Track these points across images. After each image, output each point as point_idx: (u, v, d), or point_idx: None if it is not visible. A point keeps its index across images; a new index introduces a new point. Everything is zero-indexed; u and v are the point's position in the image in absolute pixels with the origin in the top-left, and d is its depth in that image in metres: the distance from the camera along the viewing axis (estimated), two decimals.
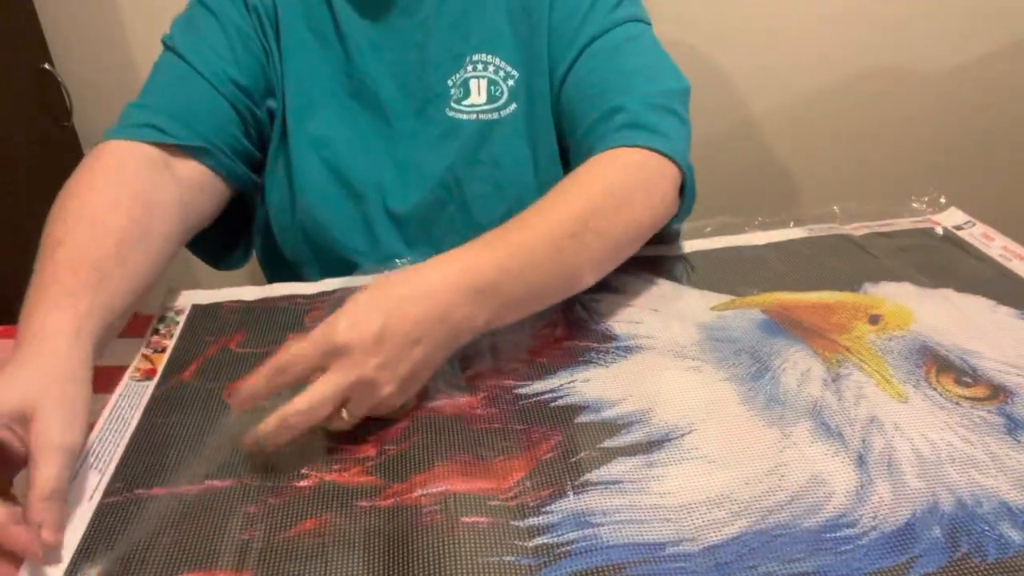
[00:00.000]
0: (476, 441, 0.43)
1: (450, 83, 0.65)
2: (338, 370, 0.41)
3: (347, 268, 0.64)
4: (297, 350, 0.41)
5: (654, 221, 0.54)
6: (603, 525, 0.38)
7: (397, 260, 0.62)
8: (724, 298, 0.56)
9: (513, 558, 0.36)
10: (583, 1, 0.63)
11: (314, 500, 0.40)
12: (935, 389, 0.46)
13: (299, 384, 0.42)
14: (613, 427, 0.44)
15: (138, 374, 0.51)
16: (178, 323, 0.56)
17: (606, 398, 0.46)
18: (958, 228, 0.65)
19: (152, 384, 0.50)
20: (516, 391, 0.47)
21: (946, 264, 0.60)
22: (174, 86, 0.61)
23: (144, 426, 0.46)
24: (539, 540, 0.37)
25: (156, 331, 0.55)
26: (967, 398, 0.45)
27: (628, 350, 0.51)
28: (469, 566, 0.36)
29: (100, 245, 0.48)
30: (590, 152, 0.55)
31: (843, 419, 0.44)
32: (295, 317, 0.56)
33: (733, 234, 0.64)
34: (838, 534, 0.37)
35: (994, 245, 0.62)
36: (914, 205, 0.68)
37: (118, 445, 0.45)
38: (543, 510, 0.39)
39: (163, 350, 0.53)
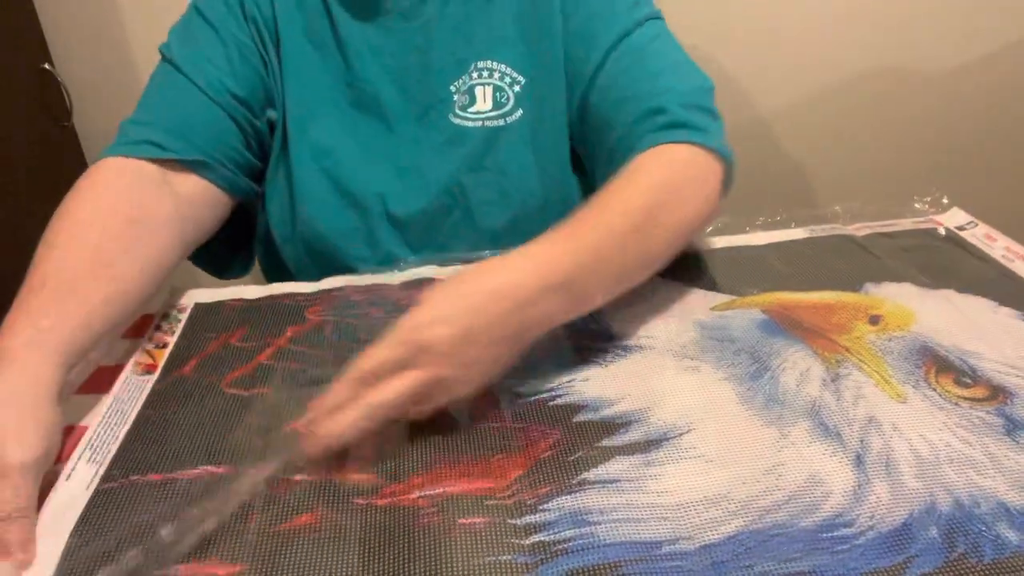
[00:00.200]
0: (474, 440, 0.43)
1: (453, 88, 0.65)
2: (423, 367, 0.41)
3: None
4: (382, 355, 0.41)
5: (707, 214, 0.55)
6: (600, 523, 0.38)
7: (401, 262, 0.62)
8: (725, 298, 0.56)
9: (510, 556, 0.36)
10: (601, 3, 0.63)
11: (310, 494, 0.40)
12: (934, 389, 0.46)
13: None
14: (611, 426, 0.44)
15: (139, 369, 0.51)
16: (180, 321, 0.56)
17: (605, 397, 0.46)
18: (960, 229, 0.65)
19: (152, 379, 0.50)
20: (515, 390, 0.47)
21: (948, 265, 0.60)
22: (171, 99, 0.61)
23: (143, 418, 0.46)
24: (536, 538, 0.37)
25: (158, 328, 0.55)
26: (966, 399, 0.45)
27: (627, 349, 0.51)
28: (466, 566, 0.36)
29: (75, 262, 0.48)
30: (630, 151, 0.55)
31: (841, 419, 0.44)
32: (296, 312, 0.56)
33: (734, 234, 0.64)
34: (835, 534, 0.37)
35: (996, 246, 0.62)
36: (916, 206, 0.67)
37: (117, 437, 0.45)
38: (540, 508, 0.39)
39: (164, 346, 0.53)
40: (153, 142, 0.57)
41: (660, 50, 0.62)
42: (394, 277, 0.60)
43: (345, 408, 0.40)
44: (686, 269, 0.60)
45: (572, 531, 0.37)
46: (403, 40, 0.65)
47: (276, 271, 0.71)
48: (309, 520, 0.39)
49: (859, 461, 0.41)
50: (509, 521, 0.38)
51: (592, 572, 0.35)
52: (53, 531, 0.38)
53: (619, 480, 0.40)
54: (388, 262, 0.64)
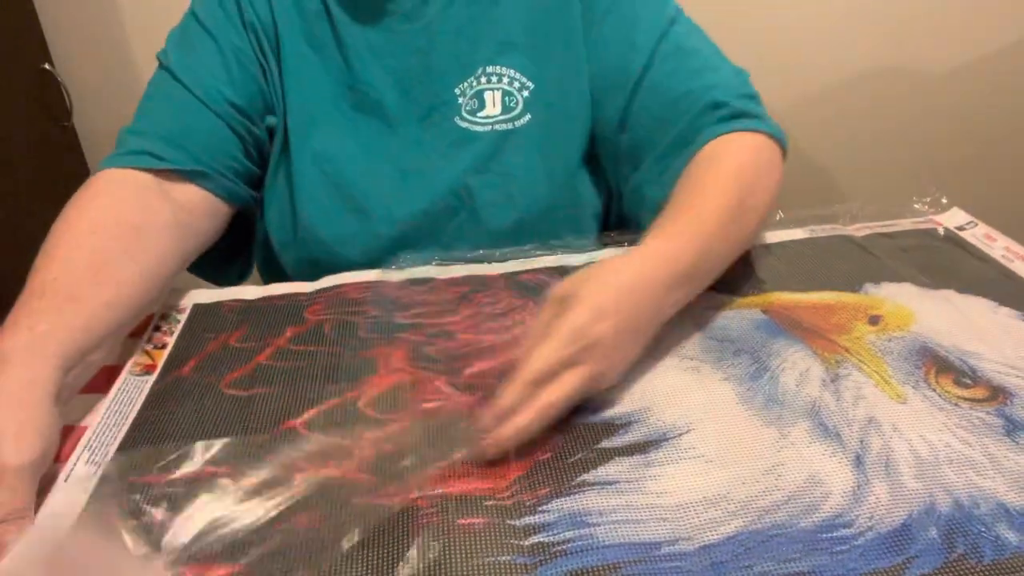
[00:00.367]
0: (474, 441, 0.43)
1: (458, 91, 0.65)
2: (589, 363, 0.42)
3: None
4: (552, 355, 0.41)
5: (777, 196, 0.57)
6: (599, 525, 0.38)
7: (401, 258, 0.61)
8: (724, 298, 0.56)
9: (509, 557, 0.36)
10: (629, 7, 0.63)
11: (308, 493, 0.40)
12: (934, 390, 0.46)
13: None
14: (610, 427, 0.44)
15: (138, 369, 0.51)
16: (179, 321, 0.56)
17: (604, 398, 0.46)
18: (960, 229, 0.65)
19: (151, 379, 0.50)
20: None
21: (948, 265, 0.59)
22: (169, 109, 0.61)
23: (142, 419, 0.46)
24: (535, 539, 0.37)
25: (157, 328, 0.55)
26: (966, 399, 0.45)
27: None
28: (465, 567, 0.36)
29: (73, 268, 0.48)
30: (695, 143, 0.58)
31: (841, 419, 0.44)
32: (295, 312, 0.56)
33: None
34: (834, 534, 0.37)
35: (996, 246, 0.62)
36: (916, 206, 0.67)
37: (115, 439, 0.45)
38: (539, 509, 0.39)
39: (164, 347, 0.53)
40: (151, 152, 0.57)
41: (697, 46, 0.64)
42: (392, 275, 0.60)
43: (520, 410, 0.41)
44: None
45: (571, 532, 0.37)
46: (405, 42, 0.64)
47: (275, 276, 0.71)
48: (308, 520, 0.39)
49: (859, 462, 0.41)
50: (508, 522, 0.38)
51: (591, 573, 0.35)
52: (53, 532, 0.38)
53: (618, 481, 0.40)
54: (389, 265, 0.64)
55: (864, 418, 0.44)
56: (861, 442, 0.42)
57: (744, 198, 0.53)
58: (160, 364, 0.51)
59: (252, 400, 0.47)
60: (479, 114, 0.64)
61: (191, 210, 0.59)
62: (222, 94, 0.61)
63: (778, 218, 0.65)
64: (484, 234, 0.64)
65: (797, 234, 0.64)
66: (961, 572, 0.35)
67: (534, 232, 0.63)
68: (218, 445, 0.43)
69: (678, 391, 0.47)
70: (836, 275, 0.58)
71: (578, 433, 0.44)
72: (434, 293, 0.57)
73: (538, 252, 0.61)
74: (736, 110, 0.59)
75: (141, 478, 0.42)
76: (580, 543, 0.37)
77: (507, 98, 0.64)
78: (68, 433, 0.45)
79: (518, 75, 0.65)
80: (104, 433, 0.45)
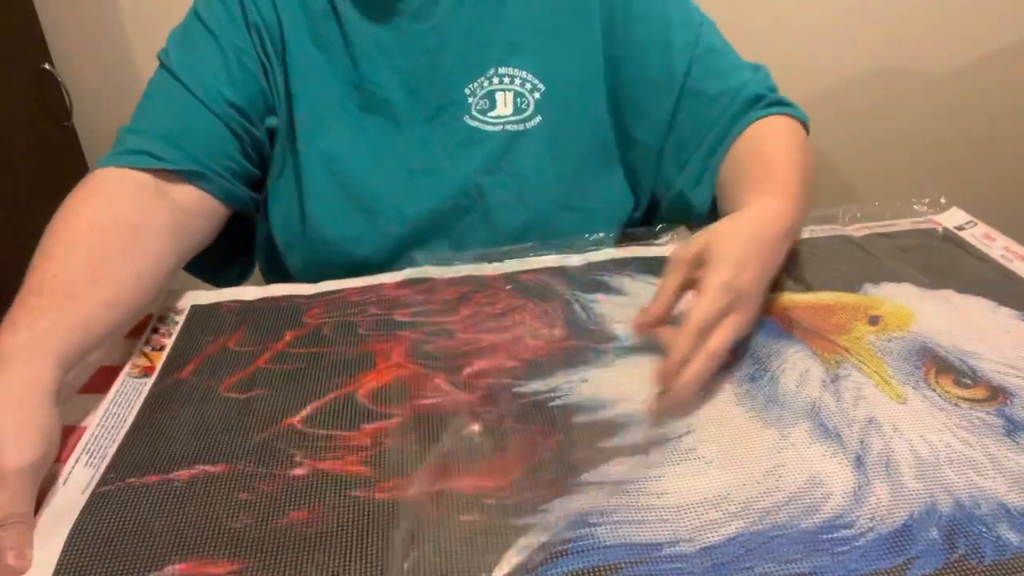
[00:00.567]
0: (473, 439, 0.43)
1: (468, 91, 0.65)
2: (739, 311, 0.46)
3: (354, 275, 0.63)
4: (711, 307, 0.44)
5: None
6: (600, 525, 0.38)
7: (418, 257, 0.62)
8: None
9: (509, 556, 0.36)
10: (658, 13, 0.65)
11: (307, 488, 0.40)
12: (934, 390, 0.46)
13: None
14: (611, 427, 0.44)
15: (136, 371, 0.51)
16: (177, 323, 0.56)
17: (605, 398, 0.46)
18: (959, 228, 0.65)
19: (150, 381, 0.50)
20: (514, 390, 0.47)
21: (947, 265, 0.59)
22: (168, 108, 0.61)
23: (140, 422, 0.46)
24: (535, 538, 0.37)
25: (156, 330, 0.55)
26: (966, 399, 0.45)
27: (627, 351, 0.51)
28: (465, 564, 0.36)
29: (72, 267, 0.48)
30: (730, 133, 0.62)
31: (841, 420, 0.44)
32: (294, 315, 0.56)
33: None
34: (835, 535, 0.37)
35: (995, 246, 0.62)
36: (915, 206, 0.67)
37: (114, 441, 0.45)
38: (540, 508, 0.39)
39: (162, 348, 0.53)
40: (149, 152, 0.57)
41: (722, 45, 0.67)
42: (396, 276, 0.60)
43: (692, 361, 0.44)
44: None
45: (572, 532, 0.37)
46: (413, 41, 0.64)
47: (278, 276, 0.71)
48: (306, 515, 0.39)
49: (859, 462, 0.41)
50: (509, 521, 0.38)
51: (592, 574, 0.35)
52: (49, 536, 0.38)
53: (620, 482, 0.40)
54: (400, 263, 0.64)
55: (864, 419, 0.44)
56: (862, 443, 0.42)
57: (806, 168, 0.58)
58: (158, 366, 0.51)
59: (251, 401, 0.47)
60: (490, 114, 0.65)
61: (189, 210, 0.59)
62: (222, 94, 0.61)
63: None
64: (494, 234, 0.64)
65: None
66: (962, 573, 0.35)
67: (544, 233, 0.64)
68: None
69: None
70: (835, 275, 0.58)
71: (578, 433, 0.44)
72: (433, 293, 0.57)
73: (548, 252, 0.62)
74: (772, 100, 0.64)
75: (140, 479, 0.41)
76: (581, 543, 0.37)
77: (518, 99, 0.65)
78: (67, 434, 0.45)
79: (530, 76, 0.65)
80: (103, 435, 0.45)
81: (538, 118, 0.65)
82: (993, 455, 0.41)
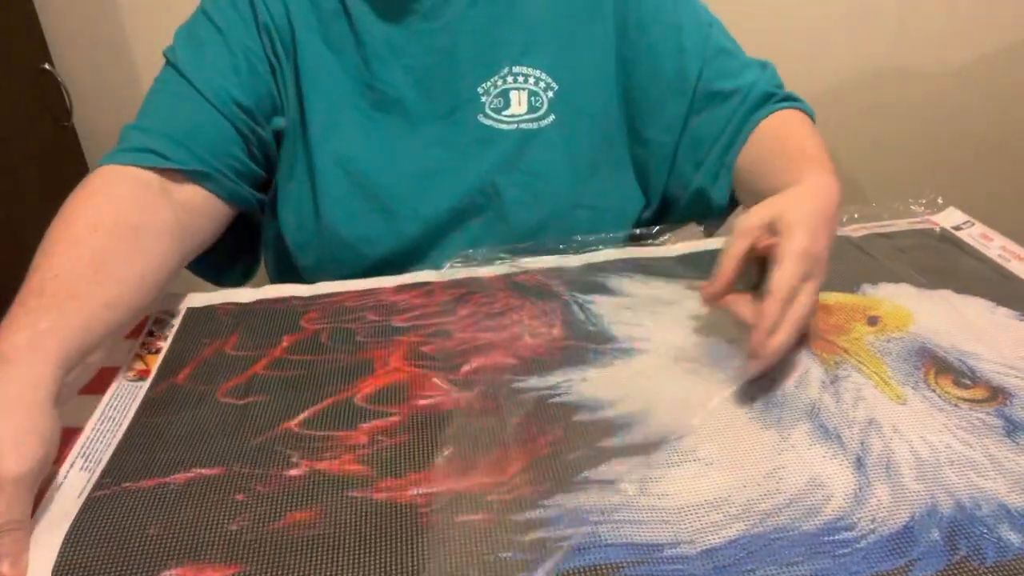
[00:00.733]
0: (473, 435, 0.43)
1: (481, 90, 0.65)
2: (816, 276, 0.47)
3: (368, 274, 0.63)
4: (793, 274, 0.46)
5: None
6: (601, 523, 0.37)
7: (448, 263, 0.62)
8: None
9: (510, 554, 0.36)
10: (670, 16, 0.66)
11: (304, 490, 0.40)
12: (934, 391, 0.46)
13: None
14: (611, 427, 0.44)
15: (131, 375, 0.50)
16: (173, 325, 0.55)
17: (604, 398, 0.46)
18: (957, 228, 0.65)
19: (145, 385, 0.49)
20: (513, 386, 0.47)
21: (945, 265, 0.59)
22: (174, 106, 0.60)
23: (136, 426, 0.46)
24: (536, 534, 0.37)
25: (151, 332, 0.55)
26: (966, 400, 0.45)
27: (626, 352, 0.50)
28: (465, 563, 0.35)
29: (73, 266, 0.47)
30: (743, 129, 0.64)
31: (841, 421, 0.44)
32: (291, 318, 0.55)
33: (729, 235, 0.64)
34: (836, 537, 0.37)
35: (992, 245, 0.62)
36: (912, 207, 0.67)
37: (109, 445, 0.44)
38: (540, 504, 0.38)
39: (157, 352, 0.53)
40: (154, 151, 0.57)
41: (731, 45, 0.69)
42: (394, 280, 0.60)
43: (779, 330, 0.46)
44: (681, 271, 0.60)
45: (572, 529, 0.37)
46: (426, 41, 0.64)
47: (288, 277, 0.70)
48: (304, 516, 0.38)
49: (860, 464, 0.41)
50: (509, 516, 0.38)
51: (593, 572, 0.35)
52: (45, 542, 0.38)
53: (620, 481, 0.40)
54: (416, 262, 0.65)
55: (864, 420, 0.44)
56: (862, 444, 0.42)
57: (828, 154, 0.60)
58: (154, 370, 0.51)
59: (248, 408, 0.46)
60: (504, 112, 0.65)
61: (192, 210, 0.58)
62: (229, 94, 0.60)
63: None
64: (509, 232, 0.65)
65: None
66: (964, 574, 0.35)
67: (558, 231, 0.65)
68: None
69: (677, 393, 0.47)
70: (834, 276, 0.57)
71: (576, 431, 0.43)
72: (432, 296, 0.57)
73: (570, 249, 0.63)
74: (783, 95, 0.66)
75: (136, 484, 0.41)
76: (581, 540, 0.36)
77: (533, 98, 0.65)
78: (66, 436, 0.44)
79: (544, 75, 0.65)
80: (98, 440, 0.45)
81: (552, 117, 0.65)
82: (993, 456, 0.41)
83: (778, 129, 0.64)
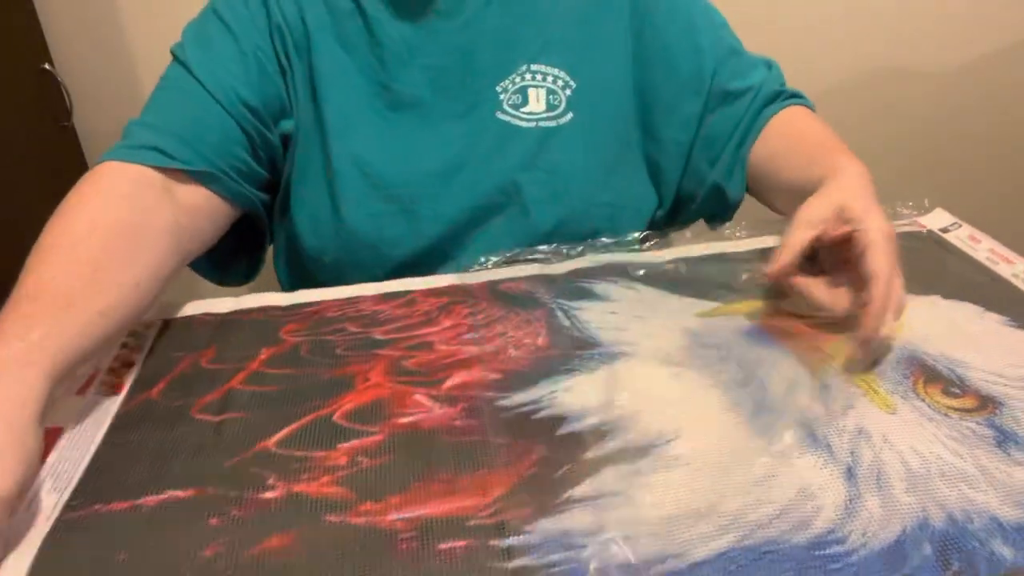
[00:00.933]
0: (455, 456, 0.42)
1: (499, 88, 0.64)
2: (895, 251, 0.49)
3: (392, 275, 0.62)
4: (890, 254, 0.48)
5: None
6: (586, 546, 0.36)
7: (483, 260, 0.62)
8: (709, 304, 0.55)
9: None
10: (683, 16, 0.67)
11: (281, 513, 0.39)
12: (923, 400, 0.45)
13: None
14: (596, 435, 0.43)
15: (103, 389, 0.49)
16: (147, 337, 0.54)
17: (589, 406, 0.45)
18: (944, 231, 0.65)
19: (118, 400, 0.48)
20: (497, 403, 0.46)
21: (933, 268, 0.59)
22: (181, 104, 0.59)
23: (107, 445, 0.44)
24: (519, 562, 0.36)
25: (124, 345, 0.53)
26: (956, 409, 0.45)
27: (612, 357, 0.50)
28: None
29: (70, 270, 0.46)
30: (755, 126, 0.66)
31: (831, 429, 0.43)
32: (269, 330, 0.54)
33: (718, 240, 0.64)
34: (827, 551, 0.36)
35: (980, 247, 0.61)
36: (900, 209, 0.67)
37: (79, 465, 0.43)
38: (524, 529, 0.37)
39: (131, 365, 0.51)
40: (159, 149, 0.55)
41: (739, 45, 0.70)
42: (375, 288, 0.58)
43: (887, 305, 0.47)
44: (669, 275, 0.59)
45: (558, 555, 0.36)
46: (443, 40, 0.64)
47: (303, 283, 0.69)
48: (280, 542, 0.37)
49: (850, 474, 0.40)
50: (491, 543, 0.37)
51: None
52: (12, 566, 0.36)
53: (605, 495, 0.39)
54: (437, 261, 0.64)
55: (854, 428, 0.43)
56: (852, 453, 0.42)
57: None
58: (127, 384, 0.49)
59: (224, 425, 0.45)
60: (522, 109, 0.65)
61: (194, 212, 0.57)
62: (237, 94, 0.59)
63: (762, 231, 0.65)
64: (530, 231, 0.64)
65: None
66: None
67: (577, 229, 0.65)
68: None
69: (664, 397, 0.46)
70: None
71: (562, 443, 0.42)
72: (413, 306, 0.56)
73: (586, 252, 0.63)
74: (789, 93, 0.69)
75: (107, 506, 0.40)
76: (567, 566, 0.35)
77: (551, 96, 0.65)
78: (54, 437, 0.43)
79: (562, 74, 0.65)
80: (66, 458, 0.43)
81: (570, 115, 0.65)
82: (984, 467, 0.41)
83: (791, 124, 0.66)
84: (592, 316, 0.54)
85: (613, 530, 0.37)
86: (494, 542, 0.37)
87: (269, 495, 0.40)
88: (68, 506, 0.40)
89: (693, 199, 0.71)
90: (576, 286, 0.58)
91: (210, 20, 0.62)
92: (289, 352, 0.51)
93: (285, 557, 0.36)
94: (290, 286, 0.71)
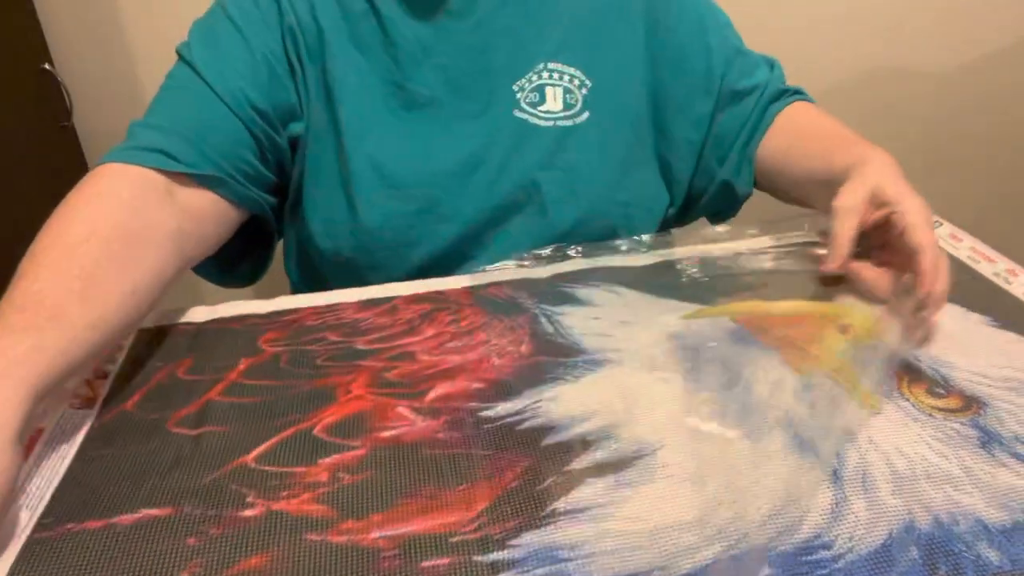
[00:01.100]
0: (437, 470, 0.41)
1: (516, 88, 0.64)
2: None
3: (412, 276, 0.61)
4: (932, 233, 0.50)
5: None
6: (572, 560, 0.36)
7: (511, 260, 0.61)
8: (692, 307, 0.55)
9: None
10: (693, 18, 0.68)
11: (260, 532, 0.38)
12: (908, 400, 0.45)
13: None
14: (581, 446, 0.42)
15: (77, 402, 0.47)
16: (122, 348, 0.53)
17: (574, 415, 0.45)
18: None
19: (92, 413, 0.47)
20: (480, 414, 0.45)
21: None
22: (187, 105, 0.58)
23: (80, 460, 0.43)
24: None
25: None
26: (940, 409, 0.45)
27: (596, 364, 0.49)
28: None
29: (60, 281, 0.44)
30: (762, 124, 0.69)
31: (816, 432, 0.43)
32: (247, 340, 0.53)
33: (702, 243, 0.63)
34: (814, 557, 0.36)
35: (962, 246, 0.62)
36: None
37: (51, 481, 0.41)
38: (508, 543, 0.37)
39: (105, 376, 0.50)
40: (164, 151, 0.54)
41: (743, 45, 0.72)
42: (356, 294, 0.57)
43: (939, 276, 0.49)
44: (653, 279, 0.59)
45: (543, 569, 0.35)
46: (457, 40, 0.63)
47: (313, 283, 0.69)
48: (259, 562, 0.36)
49: (836, 476, 0.40)
50: (475, 558, 0.36)
51: None
52: None
53: (590, 508, 0.39)
54: (455, 260, 0.64)
55: (839, 430, 0.43)
56: (837, 455, 0.41)
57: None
58: (101, 397, 0.48)
59: (201, 439, 0.44)
60: (540, 108, 0.65)
61: (198, 217, 0.56)
62: (246, 96, 0.58)
63: (753, 231, 0.65)
64: (548, 230, 0.64)
65: (764, 242, 0.63)
66: None
67: (593, 229, 0.65)
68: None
69: (650, 405, 0.45)
70: (804, 282, 0.57)
71: (547, 454, 0.42)
72: (395, 314, 0.55)
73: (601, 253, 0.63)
74: (792, 89, 0.71)
75: (80, 525, 0.38)
76: None
77: (567, 95, 0.65)
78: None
79: (578, 73, 0.66)
80: (38, 474, 0.42)
81: (587, 114, 0.65)
82: (969, 468, 0.40)
83: (801, 119, 0.68)
84: (575, 322, 0.53)
85: (598, 543, 0.37)
86: (478, 558, 0.36)
87: (248, 513, 0.39)
88: (40, 524, 0.39)
89: (702, 196, 0.72)
90: (559, 290, 0.57)
91: (219, 19, 0.61)
92: (268, 362, 0.50)
93: None
94: (302, 288, 0.71)
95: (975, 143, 1.31)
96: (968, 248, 0.61)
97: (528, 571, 0.35)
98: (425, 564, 0.36)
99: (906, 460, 0.41)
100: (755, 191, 0.72)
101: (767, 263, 0.60)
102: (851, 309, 0.54)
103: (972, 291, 0.56)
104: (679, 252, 0.62)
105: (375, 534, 0.38)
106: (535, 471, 0.41)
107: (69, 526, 0.38)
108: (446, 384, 0.48)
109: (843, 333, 0.51)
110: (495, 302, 0.56)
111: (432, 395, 0.47)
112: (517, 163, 0.64)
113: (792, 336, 0.51)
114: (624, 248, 0.63)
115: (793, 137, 0.67)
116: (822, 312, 0.54)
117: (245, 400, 0.47)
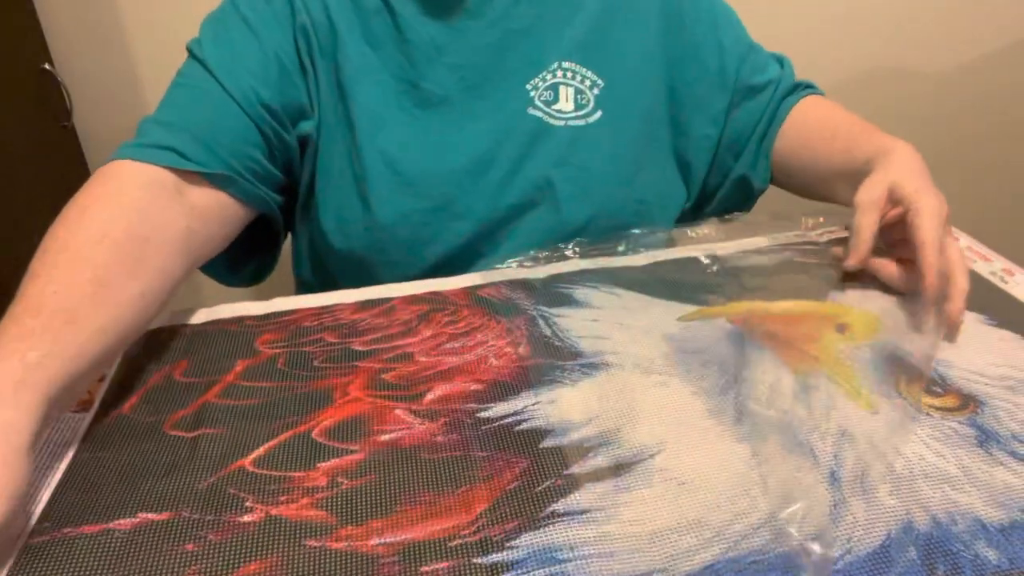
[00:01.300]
0: (436, 474, 0.41)
1: (529, 87, 0.64)
2: (949, 227, 0.52)
3: (425, 274, 0.61)
4: (932, 225, 0.50)
5: None
6: (571, 560, 0.36)
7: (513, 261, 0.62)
8: (690, 308, 0.55)
9: None
10: (708, 16, 0.69)
11: (258, 538, 0.38)
12: (905, 399, 0.45)
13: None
14: (580, 450, 0.42)
15: (73, 405, 0.47)
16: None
17: (572, 419, 0.45)
18: None
19: (88, 416, 0.46)
20: (478, 415, 0.45)
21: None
22: (198, 103, 0.57)
23: (77, 464, 0.43)
24: None
25: None
26: (937, 408, 0.45)
27: (594, 367, 0.49)
28: None
29: (74, 284, 0.44)
30: (776, 118, 0.70)
31: (814, 433, 0.43)
32: (244, 341, 0.52)
33: (699, 243, 0.64)
34: (812, 559, 0.36)
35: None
36: None
37: (48, 484, 0.41)
38: (507, 545, 0.37)
39: (101, 379, 0.50)
40: (175, 150, 0.54)
41: (755, 42, 0.73)
42: (353, 296, 0.57)
43: (956, 274, 0.51)
44: (650, 280, 0.59)
45: (542, 570, 0.35)
46: (471, 39, 0.63)
47: (326, 282, 0.69)
48: (258, 568, 0.36)
49: (834, 477, 0.40)
50: (474, 560, 0.36)
51: None
52: None
53: (589, 510, 0.39)
54: (469, 258, 0.64)
55: (837, 430, 0.43)
56: (835, 456, 0.41)
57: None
58: (97, 399, 0.48)
59: (198, 442, 0.44)
60: (553, 107, 0.65)
61: (207, 216, 0.56)
62: (256, 94, 0.58)
63: (749, 234, 0.65)
64: (561, 228, 0.64)
65: (761, 242, 0.64)
66: None
67: (606, 227, 0.65)
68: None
69: (648, 408, 0.45)
70: (801, 282, 0.57)
71: (546, 458, 0.42)
72: (392, 315, 0.55)
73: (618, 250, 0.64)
74: (804, 84, 0.72)
75: (77, 529, 0.38)
76: None
77: (579, 96, 0.65)
78: None
79: (590, 73, 0.66)
80: (35, 477, 0.42)
81: (599, 113, 0.66)
82: (967, 467, 0.41)
83: (815, 112, 0.69)
84: (573, 324, 0.53)
85: (597, 546, 0.37)
86: (478, 560, 0.36)
87: (247, 518, 0.39)
88: (37, 529, 0.38)
89: (717, 191, 0.73)
90: (557, 292, 0.57)
91: (230, 17, 0.60)
92: (265, 364, 0.50)
93: None
94: (315, 287, 0.70)
95: (975, 143, 1.31)
96: (964, 247, 0.61)
97: (527, 572, 0.35)
98: (425, 569, 0.36)
99: (904, 460, 0.41)
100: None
101: (765, 263, 0.60)
102: (849, 309, 0.54)
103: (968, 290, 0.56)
104: (677, 253, 0.62)
105: (375, 540, 0.37)
106: (533, 472, 0.41)
107: (66, 530, 0.38)
108: (444, 386, 0.47)
109: (841, 333, 0.51)
110: (493, 303, 0.56)
111: (430, 397, 0.47)
112: (531, 161, 0.64)
113: (790, 336, 0.51)
114: (622, 249, 0.63)
115: (812, 131, 0.68)
116: (820, 312, 0.54)
117: (242, 402, 0.47)
